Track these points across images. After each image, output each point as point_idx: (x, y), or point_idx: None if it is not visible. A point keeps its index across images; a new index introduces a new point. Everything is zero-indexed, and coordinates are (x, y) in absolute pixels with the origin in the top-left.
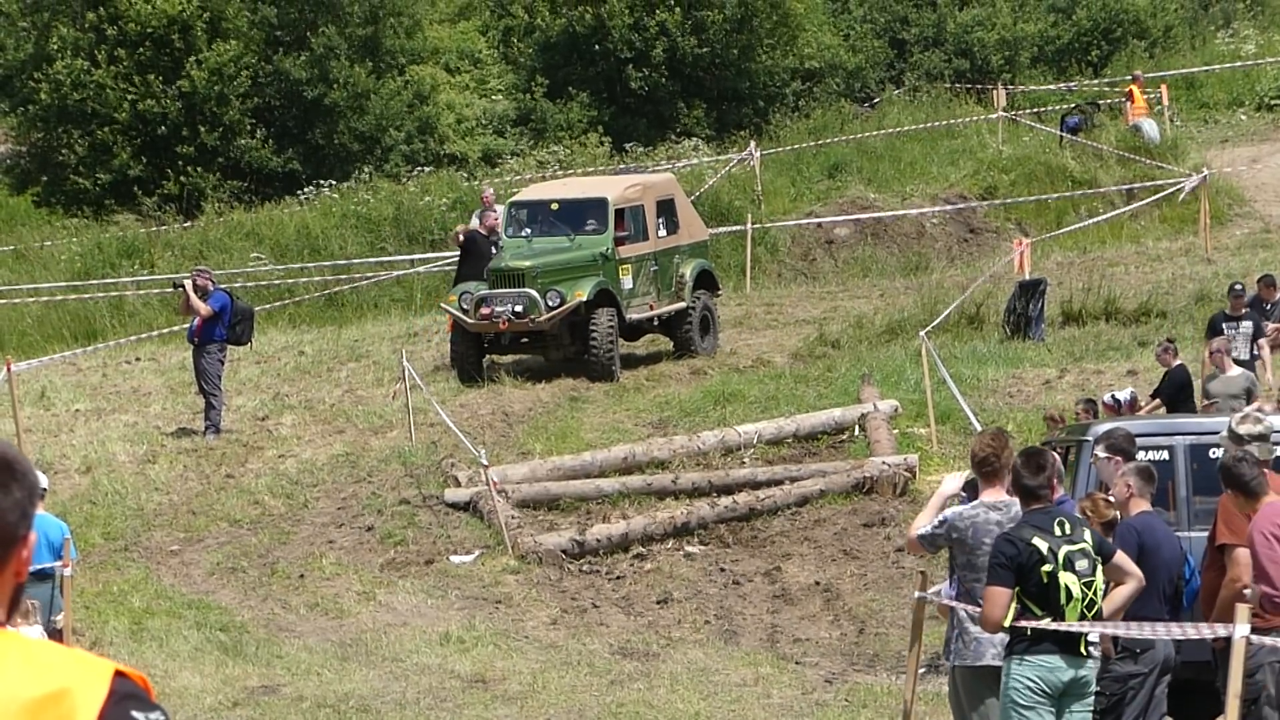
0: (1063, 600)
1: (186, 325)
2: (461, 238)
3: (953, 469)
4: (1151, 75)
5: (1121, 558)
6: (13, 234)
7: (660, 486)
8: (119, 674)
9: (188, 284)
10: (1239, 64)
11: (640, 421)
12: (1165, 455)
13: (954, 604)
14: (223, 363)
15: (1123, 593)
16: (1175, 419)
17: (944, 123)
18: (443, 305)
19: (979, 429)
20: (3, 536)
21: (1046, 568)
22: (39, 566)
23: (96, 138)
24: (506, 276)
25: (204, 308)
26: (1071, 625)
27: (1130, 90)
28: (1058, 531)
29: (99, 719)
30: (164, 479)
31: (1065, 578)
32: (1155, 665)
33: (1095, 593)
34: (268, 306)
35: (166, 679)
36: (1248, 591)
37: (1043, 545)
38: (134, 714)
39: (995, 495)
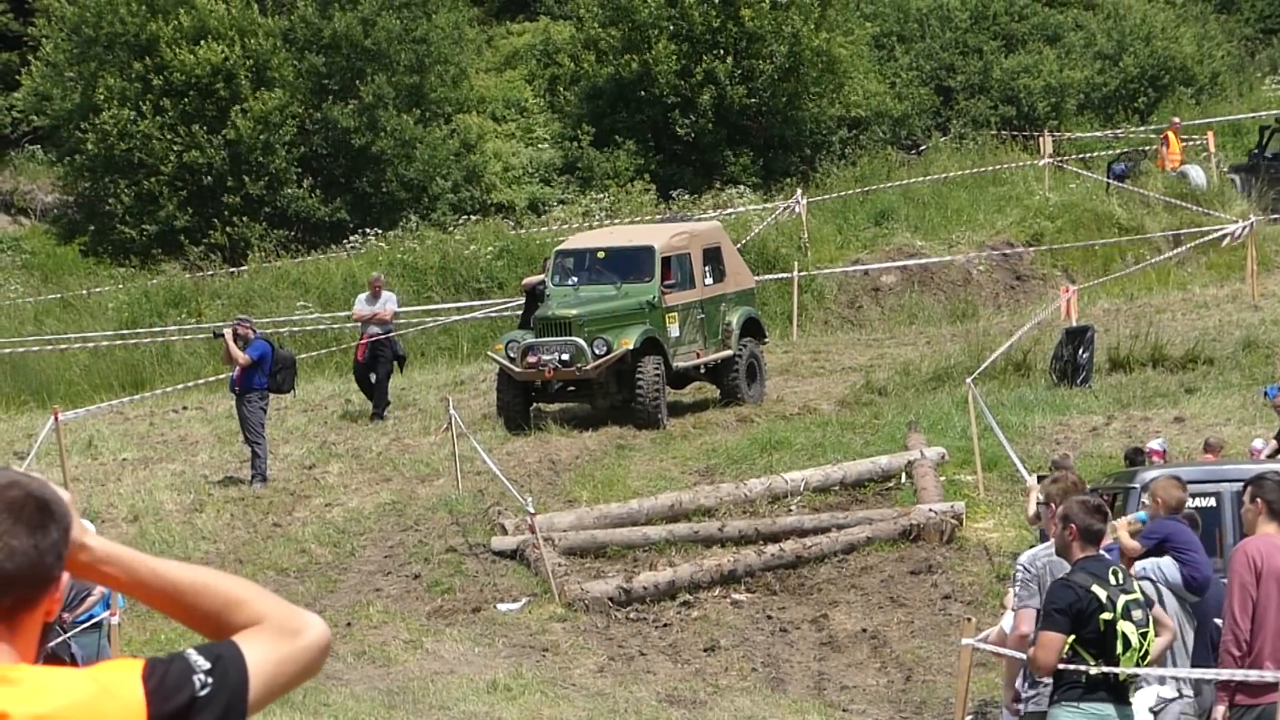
0: (1120, 649)
1: (230, 374)
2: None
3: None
4: (1199, 122)
5: (1157, 609)
6: (60, 283)
7: (707, 534)
8: (150, 659)
9: (227, 333)
10: None
11: (687, 469)
12: (1213, 502)
13: (1004, 650)
14: (265, 411)
15: (1158, 644)
16: (1223, 465)
17: (990, 169)
18: (489, 354)
19: (1026, 476)
20: (42, 577)
21: (1105, 616)
22: (89, 616)
23: (143, 188)
24: (553, 325)
25: (242, 356)
26: (1124, 670)
27: (1166, 135)
28: (1113, 580)
29: (146, 695)
30: (211, 528)
31: (1124, 626)
32: (1203, 712)
33: (1149, 643)
34: (314, 354)
35: None
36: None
37: (1102, 593)
38: (188, 658)
39: None
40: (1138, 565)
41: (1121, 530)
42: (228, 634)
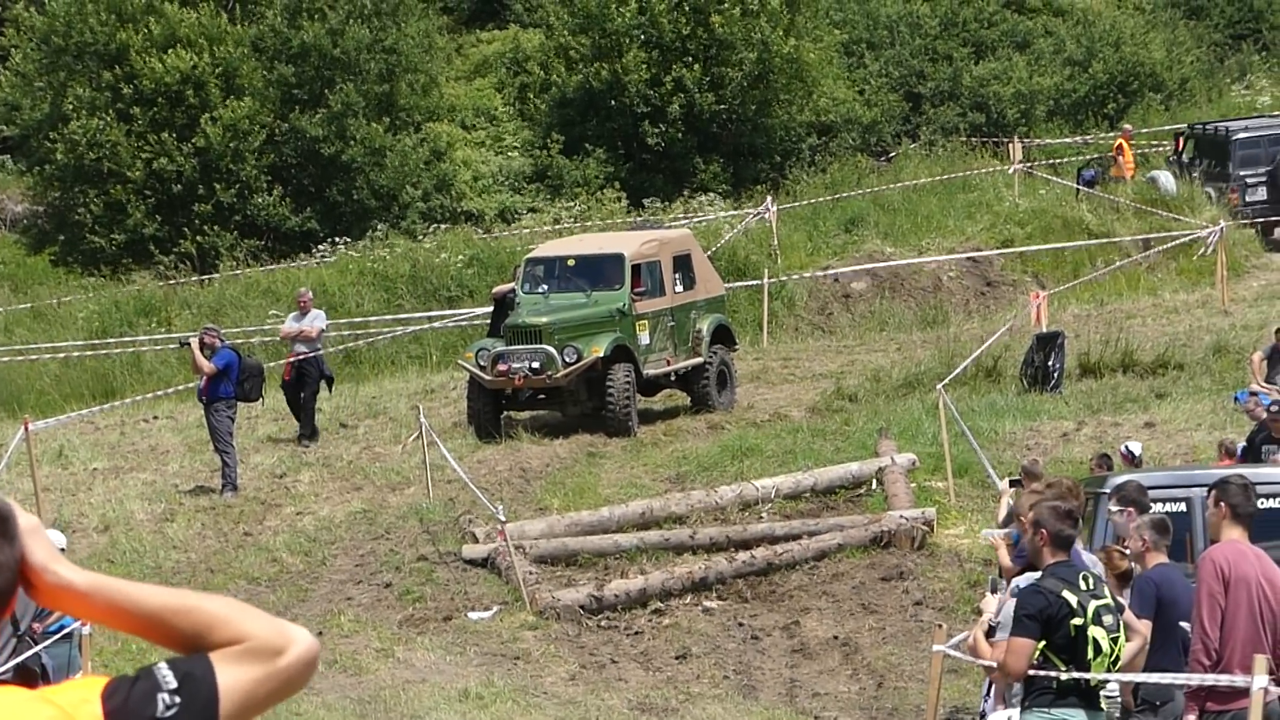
0: (1090, 655)
1: (198, 383)
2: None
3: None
4: (1168, 127)
5: (1128, 614)
6: (30, 293)
7: (678, 542)
8: (115, 678)
9: (193, 342)
10: (1255, 117)
11: (658, 477)
12: (1183, 507)
13: (980, 660)
14: (233, 420)
15: (1129, 649)
16: (1193, 470)
17: (960, 176)
18: (460, 362)
19: (997, 481)
20: (14, 588)
21: (1076, 621)
22: (60, 626)
23: (111, 197)
24: (523, 333)
25: (207, 365)
26: (1094, 676)
27: (1119, 144)
28: (1083, 586)
29: (105, 716)
30: (182, 537)
31: (1095, 632)
32: (1174, 718)
33: (1120, 648)
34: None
35: None
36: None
37: (1072, 599)
38: (156, 674)
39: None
40: (1016, 580)
41: (1001, 549)
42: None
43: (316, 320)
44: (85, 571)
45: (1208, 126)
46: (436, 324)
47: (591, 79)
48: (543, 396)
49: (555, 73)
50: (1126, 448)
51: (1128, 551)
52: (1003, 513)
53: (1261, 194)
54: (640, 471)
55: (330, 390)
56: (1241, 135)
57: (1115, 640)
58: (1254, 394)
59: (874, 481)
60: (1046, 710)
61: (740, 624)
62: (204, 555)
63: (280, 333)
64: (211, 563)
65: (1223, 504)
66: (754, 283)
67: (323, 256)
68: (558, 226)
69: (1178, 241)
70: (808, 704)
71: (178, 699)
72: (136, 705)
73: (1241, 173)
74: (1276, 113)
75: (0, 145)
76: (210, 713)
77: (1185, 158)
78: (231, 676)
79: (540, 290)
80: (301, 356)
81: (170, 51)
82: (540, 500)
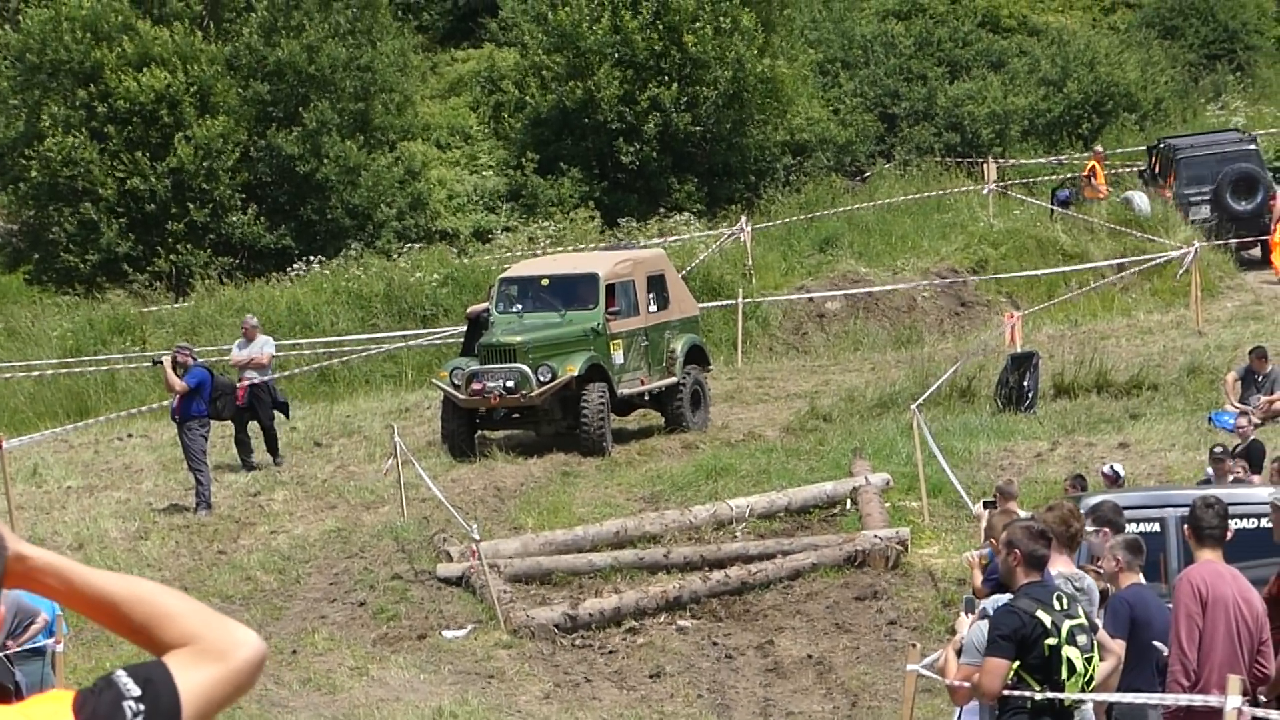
0: (1064, 675)
1: (170, 402)
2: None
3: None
4: (1143, 148)
5: (1102, 634)
6: (4, 311)
7: (652, 561)
8: (81, 690)
9: (166, 360)
10: (1211, 133)
11: (632, 496)
12: (1157, 527)
13: (955, 682)
14: (205, 438)
15: (1103, 669)
16: (1167, 490)
17: (935, 196)
18: (434, 381)
19: (972, 506)
20: None
21: (1050, 641)
22: (33, 644)
23: (85, 215)
24: (498, 352)
25: (179, 383)
26: (1068, 696)
27: (1092, 166)
28: (1057, 605)
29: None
30: (156, 555)
31: (1068, 652)
32: None
33: (1094, 668)
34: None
35: None
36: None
37: (1046, 619)
38: (118, 683)
39: (1066, 567)
40: (983, 603)
41: (975, 570)
42: (159, 648)
43: (266, 347)
44: (42, 550)
45: (1163, 143)
46: (411, 343)
47: (566, 98)
48: (517, 416)
49: (530, 92)
50: (1111, 467)
51: (1102, 571)
52: (984, 535)
53: (1205, 213)
54: (614, 491)
55: (287, 416)
56: (1186, 153)
57: (1089, 660)
58: (1244, 413)
59: (848, 501)
60: None
61: (714, 643)
62: (178, 573)
63: (231, 360)
64: (186, 581)
65: (1186, 525)
66: (728, 302)
67: (297, 275)
68: (532, 246)
69: (1153, 263)
70: None
71: (142, 706)
72: (105, 714)
73: (1186, 191)
74: (1233, 129)
75: None
76: (174, 716)
77: (1157, 171)
78: (190, 679)
79: (514, 310)
80: (253, 382)
81: (145, 70)
82: (515, 519)
